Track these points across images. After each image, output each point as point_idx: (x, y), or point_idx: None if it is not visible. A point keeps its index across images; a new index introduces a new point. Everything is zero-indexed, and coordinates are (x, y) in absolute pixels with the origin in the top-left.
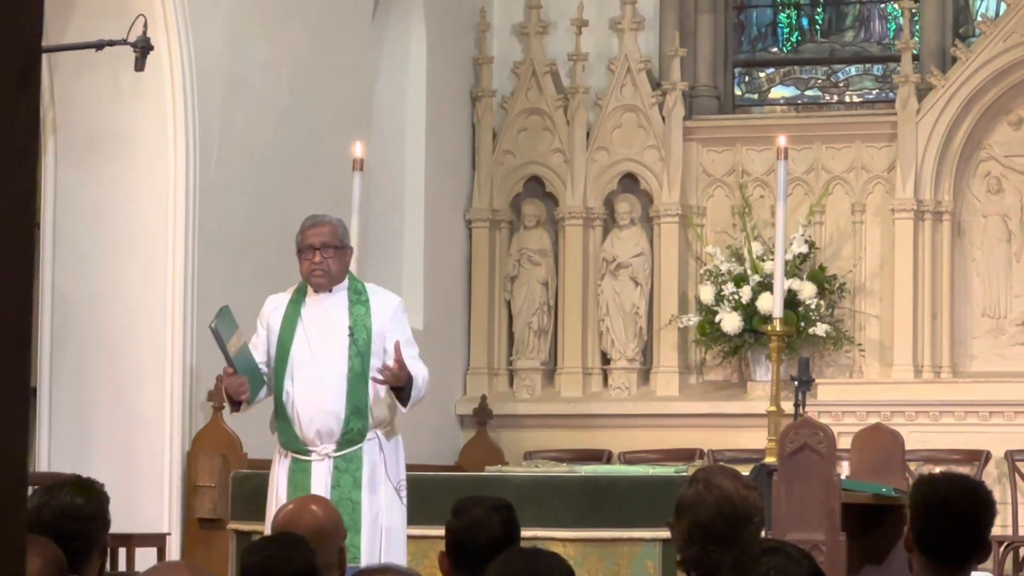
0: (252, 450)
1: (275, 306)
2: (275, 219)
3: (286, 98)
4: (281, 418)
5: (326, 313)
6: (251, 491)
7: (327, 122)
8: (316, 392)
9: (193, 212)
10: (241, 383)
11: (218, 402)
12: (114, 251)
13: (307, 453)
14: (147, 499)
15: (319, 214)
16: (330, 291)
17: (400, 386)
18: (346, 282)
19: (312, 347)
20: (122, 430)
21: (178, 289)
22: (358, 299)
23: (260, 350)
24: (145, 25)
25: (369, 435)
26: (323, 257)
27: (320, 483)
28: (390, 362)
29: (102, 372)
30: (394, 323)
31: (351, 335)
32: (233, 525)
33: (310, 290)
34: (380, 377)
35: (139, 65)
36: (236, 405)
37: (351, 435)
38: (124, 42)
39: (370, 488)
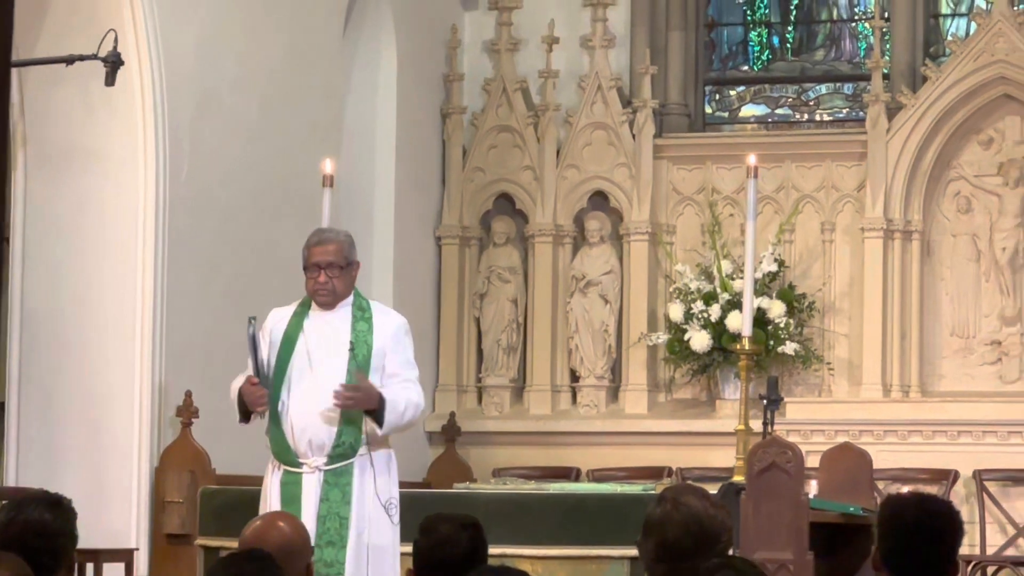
0: (220, 466)
1: (279, 318)
2: (245, 235)
3: (256, 114)
4: (275, 428)
5: (329, 327)
6: (219, 507)
7: (297, 138)
8: (311, 403)
9: (163, 227)
10: (263, 395)
11: (186, 418)
12: (83, 266)
13: (298, 465)
14: (115, 514)
15: (326, 228)
16: (334, 307)
17: (372, 409)
18: (351, 297)
19: (312, 359)
20: (91, 445)
21: (147, 305)
22: (362, 316)
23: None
24: (116, 40)
25: (361, 450)
26: (328, 277)
27: (310, 496)
28: (392, 382)
29: (71, 387)
30: (395, 343)
31: (351, 350)
32: (201, 541)
33: (314, 304)
34: (336, 401)
35: (109, 80)
36: (246, 416)
37: (342, 449)
38: (95, 57)
39: (359, 504)
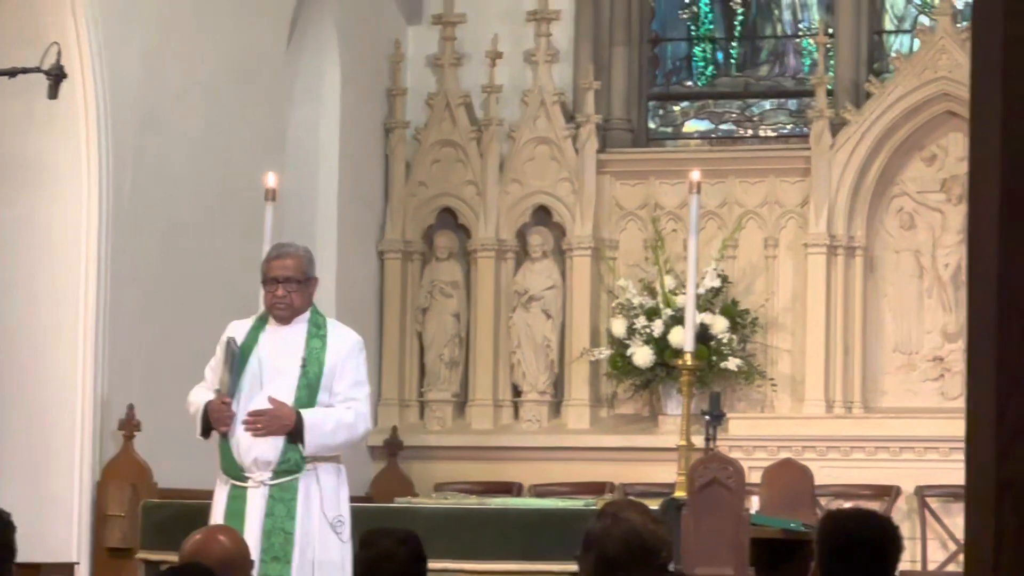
0: (163, 480)
1: (236, 332)
2: (188, 249)
3: (200, 128)
4: (223, 442)
5: (284, 342)
6: (161, 521)
7: (240, 152)
8: None
9: (106, 241)
10: (231, 417)
11: (128, 431)
12: (26, 279)
13: (244, 479)
14: (56, 528)
15: (286, 243)
16: (291, 322)
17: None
18: (308, 313)
19: (264, 374)
20: (32, 458)
21: (90, 319)
22: (317, 332)
23: (216, 375)
24: (59, 53)
25: (308, 467)
26: (286, 291)
27: (255, 511)
28: (335, 401)
29: (13, 400)
30: (348, 360)
31: (303, 366)
32: (142, 555)
33: (271, 318)
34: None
35: (52, 93)
36: (207, 432)
37: (288, 464)
38: (38, 70)
39: (304, 520)
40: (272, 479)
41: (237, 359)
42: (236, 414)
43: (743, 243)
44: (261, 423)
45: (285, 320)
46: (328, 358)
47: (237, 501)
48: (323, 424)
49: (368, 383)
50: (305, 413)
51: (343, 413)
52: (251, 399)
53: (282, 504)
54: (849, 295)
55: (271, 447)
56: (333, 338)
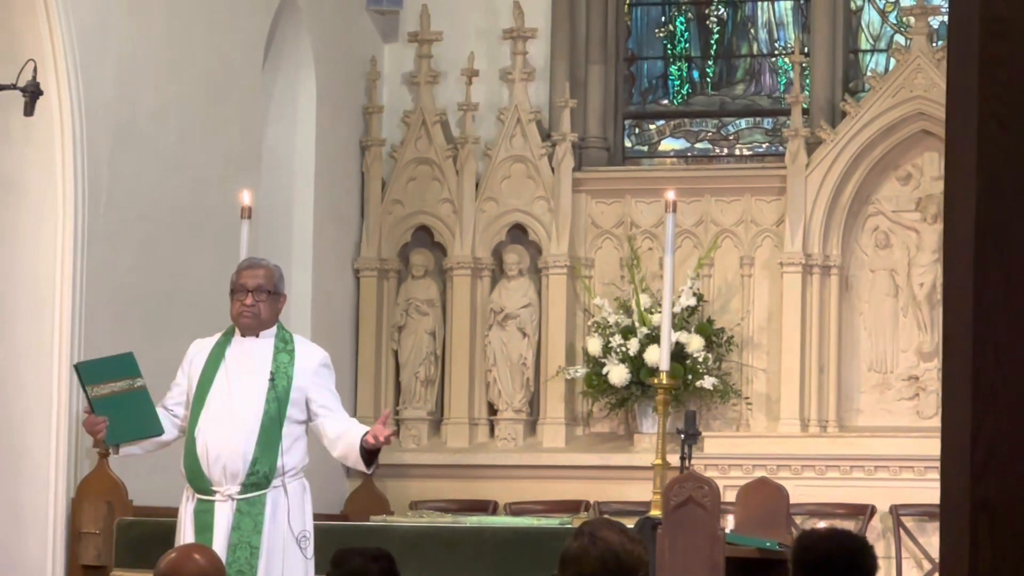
0: (138, 497)
1: (199, 349)
2: (163, 266)
3: (175, 145)
4: (189, 454)
5: (249, 356)
6: (136, 538)
7: (216, 170)
8: (227, 430)
9: (81, 258)
10: (96, 423)
11: (104, 449)
12: (1, 296)
13: (211, 493)
14: (31, 545)
15: (257, 257)
16: (257, 336)
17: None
18: (275, 329)
19: (231, 387)
20: (7, 475)
21: (65, 335)
22: (284, 347)
23: (178, 393)
24: (35, 70)
25: (275, 481)
26: (255, 300)
27: (222, 524)
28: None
29: None
30: (316, 377)
31: (272, 380)
32: (117, 572)
33: (237, 333)
34: (377, 442)
35: (28, 110)
36: (116, 447)
37: (256, 478)
38: (14, 87)
39: (270, 534)
40: (240, 493)
41: (80, 378)
42: (102, 422)
43: (718, 262)
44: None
45: (251, 330)
46: (296, 374)
47: (205, 515)
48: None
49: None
50: (308, 369)
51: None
52: (216, 412)
53: (249, 518)
54: (824, 314)
55: (240, 459)
56: (301, 354)
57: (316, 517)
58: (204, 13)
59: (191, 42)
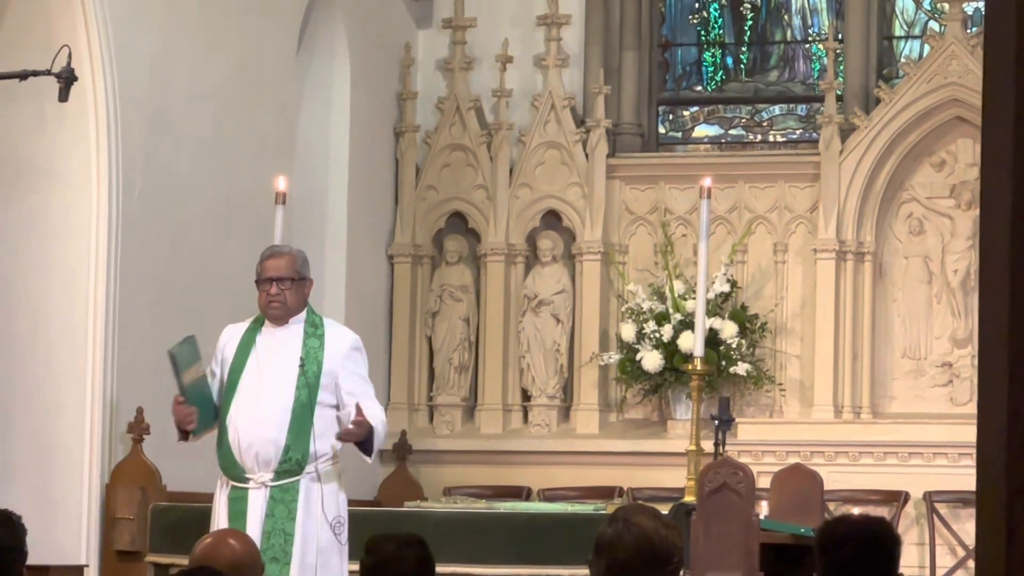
0: (172, 483)
1: (231, 335)
2: (197, 252)
3: (209, 131)
4: (223, 442)
5: (280, 343)
6: (170, 524)
7: (250, 155)
8: (259, 418)
9: (115, 244)
10: (189, 412)
11: (138, 434)
12: (35, 282)
13: (245, 480)
14: (65, 531)
15: (279, 244)
16: (287, 323)
17: (362, 440)
18: (304, 314)
19: (262, 375)
20: (41, 461)
21: (99, 321)
22: (314, 332)
23: (215, 379)
24: (69, 56)
25: (308, 468)
26: (280, 289)
27: (256, 511)
28: (346, 400)
29: (22, 403)
30: (347, 361)
31: (302, 366)
32: (151, 558)
33: (267, 320)
34: (343, 438)
35: (63, 96)
36: (184, 434)
37: (289, 465)
38: (48, 72)
39: (304, 521)
40: (273, 480)
41: (176, 364)
42: (195, 412)
43: (752, 248)
44: (357, 434)
45: (280, 320)
46: (326, 358)
47: (239, 502)
48: (378, 427)
49: (370, 382)
50: (374, 424)
51: (378, 411)
52: (248, 400)
53: (283, 505)
54: (858, 300)
55: (272, 447)
56: (331, 338)
57: (350, 503)
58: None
59: (225, 28)
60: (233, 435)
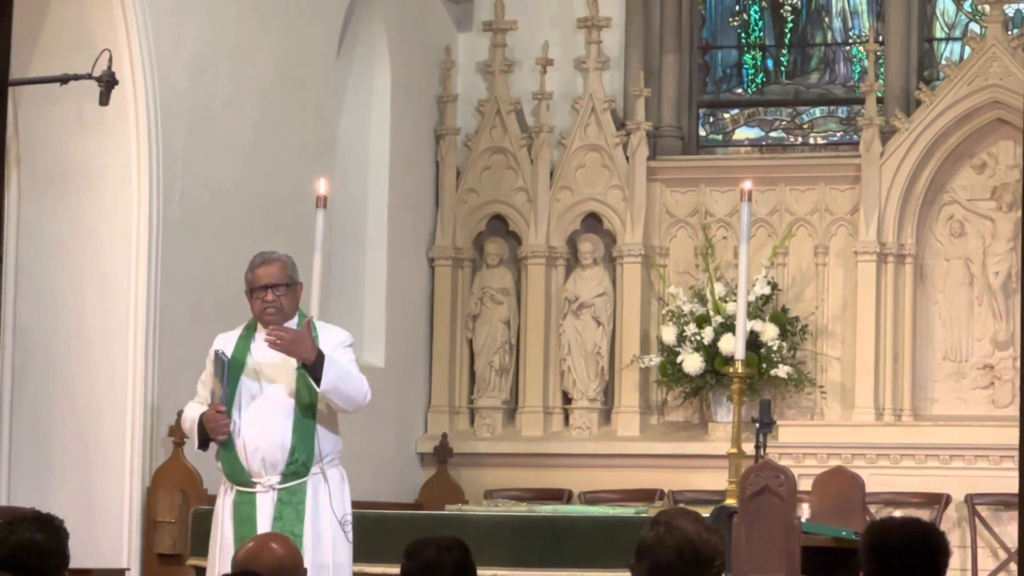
0: (212, 486)
1: (224, 343)
2: (238, 255)
3: (250, 134)
4: (227, 449)
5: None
6: (211, 527)
7: (291, 158)
8: (263, 423)
9: (156, 247)
10: (226, 424)
11: (178, 438)
12: (76, 286)
13: (251, 485)
14: (106, 534)
15: (267, 251)
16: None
17: (309, 364)
18: (296, 318)
19: (261, 379)
20: (82, 465)
21: (140, 324)
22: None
23: (208, 389)
24: (110, 59)
25: (314, 468)
26: (275, 296)
27: (264, 515)
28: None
29: (63, 406)
30: (334, 352)
31: (299, 368)
32: (193, 561)
33: (259, 327)
34: (269, 335)
35: (103, 99)
36: (204, 444)
37: (295, 467)
38: (89, 76)
39: (313, 522)
40: (281, 483)
41: (227, 369)
42: (232, 422)
43: (793, 251)
44: (282, 339)
45: (275, 324)
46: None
47: (245, 507)
48: (341, 366)
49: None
50: (327, 352)
51: (354, 369)
52: (250, 406)
53: (291, 507)
54: (899, 303)
55: (279, 450)
56: (323, 339)
57: (390, 507)
58: (279, 2)
59: (266, 31)
60: (238, 441)
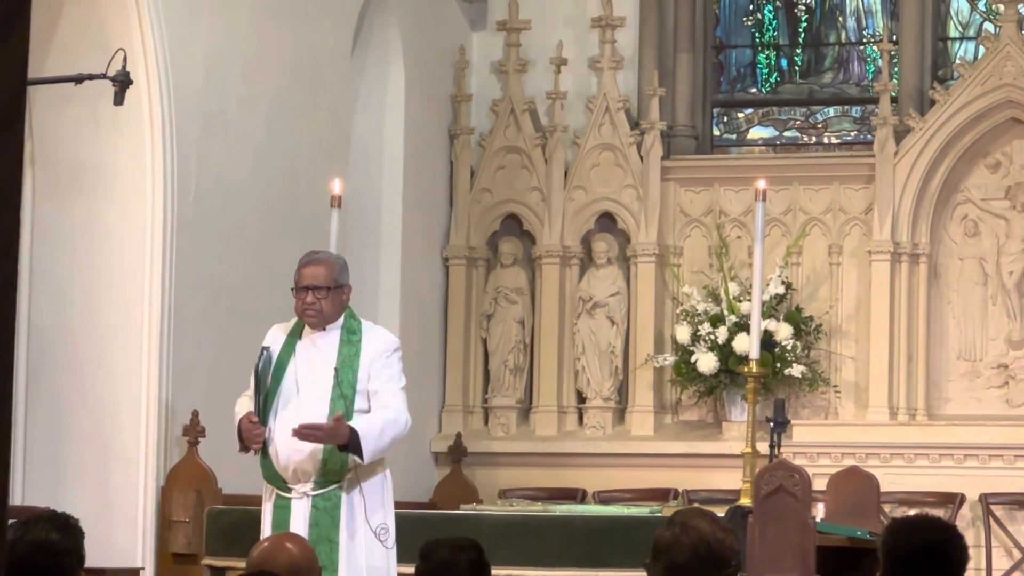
0: (227, 486)
1: (275, 337)
2: (252, 255)
3: (264, 134)
4: (263, 455)
5: (318, 351)
6: (225, 527)
7: (305, 158)
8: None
9: (170, 247)
10: (260, 434)
11: (193, 437)
12: (91, 285)
13: (287, 490)
14: (121, 533)
15: (317, 251)
16: (324, 329)
17: (345, 444)
18: (342, 320)
19: (299, 385)
20: (97, 464)
21: (154, 324)
22: (350, 339)
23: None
24: (125, 59)
25: (349, 475)
26: (316, 298)
27: (299, 521)
28: (373, 401)
29: (77, 406)
30: (374, 366)
31: (336, 376)
32: (207, 561)
33: (306, 326)
34: (297, 433)
35: (118, 99)
36: (245, 448)
37: (329, 475)
38: (104, 76)
39: (348, 528)
40: (314, 490)
41: (265, 372)
42: (265, 432)
43: (807, 250)
44: (315, 436)
45: (317, 326)
46: (361, 365)
47: (282, 511)
48: (372, 430)
49: (403, 379)
50: (358, 424)
51: (385, 413)
52: (285, 412)
53: (326, 514)
54: (913, 302)
55: (309, 458)
56: (367, 343)
57: (404, 506)
58: (293, 2)
59: (280, 31)
60: (272, 448)
